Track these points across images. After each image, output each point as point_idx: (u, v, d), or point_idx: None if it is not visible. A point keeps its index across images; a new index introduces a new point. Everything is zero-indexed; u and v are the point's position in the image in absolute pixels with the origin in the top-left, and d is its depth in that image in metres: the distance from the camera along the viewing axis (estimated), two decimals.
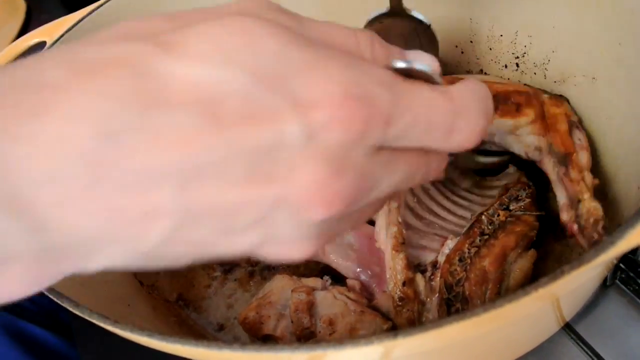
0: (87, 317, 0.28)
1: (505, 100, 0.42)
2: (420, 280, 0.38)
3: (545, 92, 0.45)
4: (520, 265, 0.38)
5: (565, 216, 0.38)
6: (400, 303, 0.37)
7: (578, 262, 0.22)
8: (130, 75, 0.17)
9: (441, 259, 0.38)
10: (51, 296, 0.30)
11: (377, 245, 0.40)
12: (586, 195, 0.38)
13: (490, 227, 0.39)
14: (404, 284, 0.38)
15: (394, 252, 0.38)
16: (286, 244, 0.21)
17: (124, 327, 0.27)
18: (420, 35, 0.45)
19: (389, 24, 0.45)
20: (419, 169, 0.22)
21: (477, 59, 0.51)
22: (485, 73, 0.51)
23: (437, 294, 0.37)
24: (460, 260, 0.37)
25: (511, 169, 0.44)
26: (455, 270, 0.37)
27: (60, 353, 0.63)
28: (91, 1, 0.98)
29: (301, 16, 0.21)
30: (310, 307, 0.39)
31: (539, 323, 0.34)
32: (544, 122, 0.41)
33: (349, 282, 0.41)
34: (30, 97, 0.17)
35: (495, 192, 0.42)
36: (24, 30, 1.12)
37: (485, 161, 0.45)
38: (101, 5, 0.48)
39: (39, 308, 0.66)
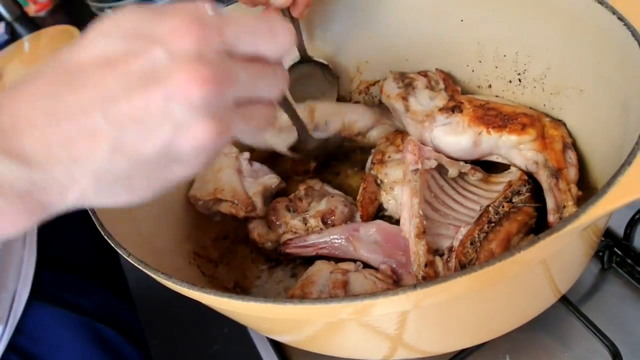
0: (171, 286, 0.36)
1: (513, 120, 0.49)
2: (439, 262, 0.45)
3: (547, 115, 0.51)
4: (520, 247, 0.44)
5: (551, 218, 0.45)
6: (423, 281, 0.45)
7: (550, 230, 0.30)
8: (57, 67, 0.27)
9: (456, 243, 0.45)
10: (146, 270, 0.38)
11: (402, 234, 0.46)
12: (570, 203, 0.45)
13: (496, 217, 0.45)
14: (425, 265, 0.44)
15: (416, 239, 0.45)
16: (191, 127, 0.27)
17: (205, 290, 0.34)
18: (325, 73, 0.58)
19: (302, 68, 0.60)
20: (264, 72, 0.31)
21: (486, 75, 0.57)
22: (491, 86, 0.58)
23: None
24: (471, 244, 0.44)
25: (513, 169, 0.50)
26: (468, 252, 0.44)
27: (126, 352, 0.70)
28: None
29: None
30: (345, 285, 0.45)
31: (535, 289, 0.39)
32: (543, 141, 0.48)
33: (381, 266, 0.48)
34: (3, 94, 0.28)
35: (500, 188, 0.49)
36: None
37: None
38: None
39: (113, 311, 0.73)
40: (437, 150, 0.53)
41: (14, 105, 0.27)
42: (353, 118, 0.60)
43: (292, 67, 0.61)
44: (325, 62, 0.55)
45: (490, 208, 0.46)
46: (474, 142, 0.50)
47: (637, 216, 0.49)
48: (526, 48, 0.52)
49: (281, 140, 0.58)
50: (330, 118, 0.59)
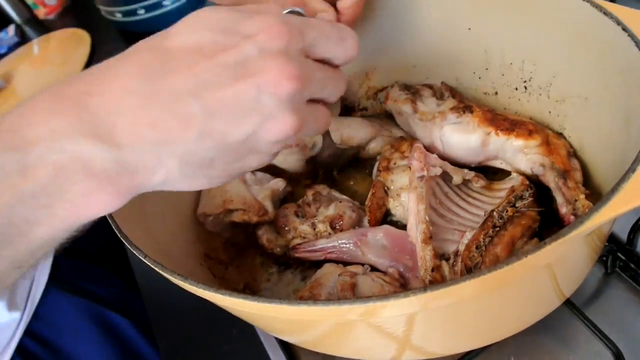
0: (187, 287, 0.36)
1: (520, 126, 0.51)
2: (445, 266, 0.46)
3: (549, 128, 0.53)
4: (527, 251, 0.45)
5: (564, 209, 0.46)
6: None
7: (556, 235, 0.31)
8: (149, 51, 0.30)
9: (461, 248, 0.46)
10: (163, 272, 0.39)
11: (409, 239, 0.47)
12: (581, 196, 0.46)
13: (500, 221, 0.46)
14: (432, 269, 0.45)
15: (423, 244, 0.46)
16: (277, 119, 0.30)
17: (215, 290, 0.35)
18: None
19: None
20: (333, 77, 0.33)
21: (492, 83, 0.58)
22: (497, 93, 0.59)
23: (460, 276, 0.45)
24: (477, 248, 0.45)
25: (515, 175, 0.51)
26: (474, 256, 0.44)
27: (132, 336, 0.72)
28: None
29: (236, 6, 0.33)
30: (353, 287, 0.46)
31: (540, 292, 0.40)
32: (549, 147, 0.49)
33: (389, 269, 0.48)
34: (94, 75, 0.29)
35: (502, 194, 0.50)
36: (90, 58, 1.22)
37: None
38: None
39: (127, 302, 0.75)
40: (446, 149, 0.54)
41: (106, 86, 0.28)
42: (351, 133, 0.61)
43: None
44: None
45: (495, 213, 0.47)
46: (482, 141, 0.52)
47: None
48: (532, 56, 0.53)
49: (293, 157, 0.59)
50: (330, 131, 0.61)
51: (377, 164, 0.58)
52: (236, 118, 0.29)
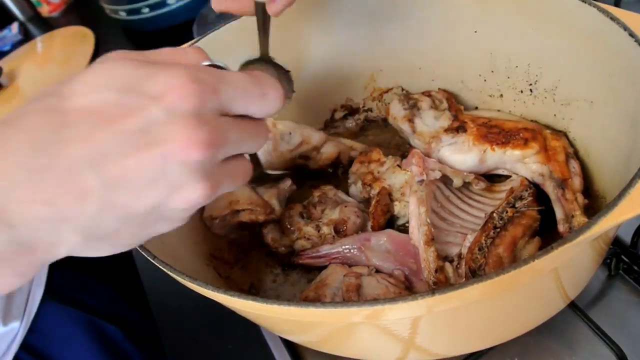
0: (195, 289, 0.37)
1: (515, 136, 0.51)
2: (448, 268, 0.46)
3: (547, 127, 0.53)
4: (528, 250, 0.46)
5: (561, 228, 0.47)
6: (434, 287, 0.45)
7: (562, 240, 0.31)
8: (42, 115, 0.26)
9: (464, 250, 0.46)
10: (172, 273, 0.39)
11: (412, 242, 0.48)
12: (578, 212, 0.47)
13: (501, 222, 0.47)
14: (436, 271, 0.46)
15: (425, 246, 0.46)
16: (185, 188, 0.27)
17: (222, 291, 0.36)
18: (281, 76, 0.55)
19: (259, 68, 0.55)
20: (252, 131, 0.31)
21: (497, 85, 0.59)
22: (503, 96, 0.59)
23: (464, 279, 0.45)
24: (479, 249, 0.45)
25: (515, 176, 0.52)
26: (477, 258, 0.45)
27: (126, 347, 0.71)
28: (151, 33, 1.11)
29: (144, 52, 0.30)
30: (358, 288, 0.47)
31: (545, 295, 0.41)
32: (547, 154, 0.50)
33: (395, 272, 0.49)
34: None
35: (503, 195, 0.50)
36: (94, 56, 1.21)
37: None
38: None
39: (119, 311, 0.73)
40: (447, 165, 0.54)
41: None
42: (310, 133, 0.62)
43: (248, 63, 0.57)
44: (286, 68, 0.53)
45: (495, 214, 0.48)
46: (479, 159, 0.53)
47: None
48: (538, 60, 0.53)
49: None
50: (292, 130, 0.61)
51: (357, 183, 0.58)
52: (140, 190, 0.26)
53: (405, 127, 0.58)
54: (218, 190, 0.29)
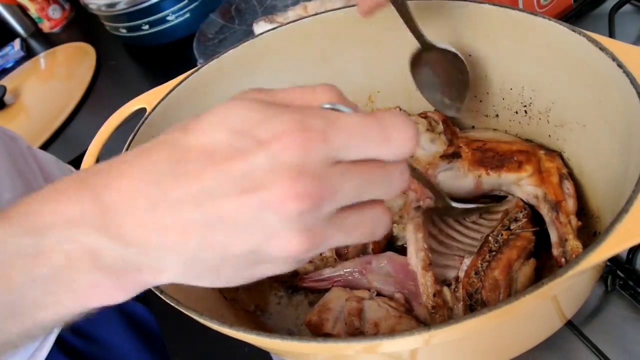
0: (198, 319, 0.38)
1: (510, 159, 0.52)
2: (446, 291, 0.47)
3: (542, 147, 0.55)
4: (524, 271, 0.47)
5: (555, 252, 0.48)
6: (433, 310, 0.47)
7: (552, 276, 0.32)
8: (166, 148, 0.28)
9: (461, 274, 0.47)
10: (165, 298, 0.40)
11: (410, 267, 0.49)
12: (571, 236, 0.48)
13: (496, 245, 0.48)
14: (434, 295, 0.47)
15: (423, 271, 0.47)
16: (281, 237, 0.27)
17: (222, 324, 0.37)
18: (449, 60, 0.55)
19: (426, 57, 0.56)
20: (376, 177, 0.28)
21: (493, 106, 0.60)
22: (498, 116, 0.61)
23: (462, 302, 0.46)
24: (476, 273, 0.46)
25: (510, 197, 0.53)
26: (473, 281, 0.46)
27: (152, 325, 0.73)
28: (152, 49, 1.11)
29: (273, 89, 0.30)
30: (360, 312, 0.48)
31: (542, 318, 0.42)
32: (541, 176, 0.51)
33: (396, 295, 0.50)
34: (118, 166, 0.29)
35: (499, 216, 0.51)
36: (96, 73, 1.23)
37: (459, 207, 0.52)
38: (188, 76, 0.59)
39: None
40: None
41: (121, 181, 0.28)
42: None
43: (416, 56, 0.57)
44: (452, 49, 0.53)
45: (490, 238, 0.49)
46: (475, 184, 0.54)
47: None
48: (531, 83, 0.54)
49: None
50: None
51: None
52: (236, 232, 0.27)
53: None
54: (323, 243, 0.28)
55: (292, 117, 0.27)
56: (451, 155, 0.55)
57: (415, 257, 0.47)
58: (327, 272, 0.53)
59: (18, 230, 0.28)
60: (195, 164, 0.27)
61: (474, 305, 0.46)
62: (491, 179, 0.53)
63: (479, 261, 0.47)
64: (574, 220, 0.48)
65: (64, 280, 0.28)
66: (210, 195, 0.27)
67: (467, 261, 0.47)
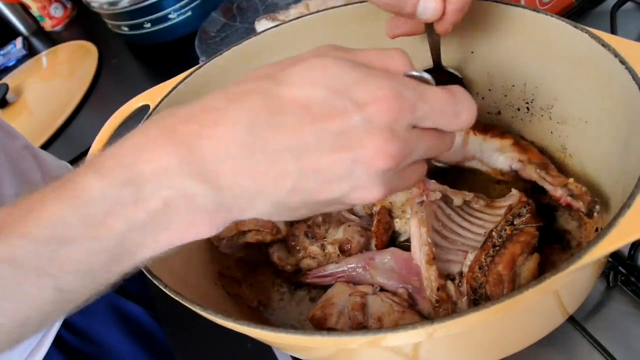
0: (203, 314, 0.39)
1: (494, 128, 0.56)
2: (450, 286, 0.47)
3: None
4: (528, 266, 0.47)
5: (559, 192, 0.48)
6: (437, 304, 0.47)
7: (555, 270, 0.32)
8: (260, 98, 0.30)
9: (465, 269, 0.47)
10: (170, 293, 0.41)
11: (414, 262, 0.49)
12: (570, 179, 0.49)
13: (499, 240, 0.48)
14: (438, 289, 0.47)
15: (427, 265, 0.48)
16: (365, 189, 0.31)
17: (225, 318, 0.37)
18: (452, 82, 0.56)
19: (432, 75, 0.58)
20: (438, 142, 0.34)
21: (495, 103, 0.60)
22: (500, 113, 0.61)
23: (466, 296, 0.47)
24: (479, 268, 0.47)
25: (514, 192, 0.53)
26: (477, 276, 0.46)
27: (149, 327, 0.74)
28: (154, 47, 1.12)
29: (353, 49, 0.33)
30: (364, 307, 0.48)
31: (544, 313, 0.42)
32: (521, 146, 0.54)
33: (399, 290, 0.50)
34: (207, 114, 0.30)
35: (502, 211, 0.51)
36: (98, 71, 1.23)
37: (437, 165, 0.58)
38: (191, 74, 0.59)
39: (132, 286, 0.75)
40: None
41: (215, 130, 0.30)
42: None
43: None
44: (459, 75, 0.57)
45: (494, 233, 0.49)
46: (462, 140, 0.56)
47: None
48: (533, 80, 0.54)
49: None
50: None
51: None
52: (327, 183, 0.31)
53: None
54: (392, 192, 0.33)
55: (388, 84, 0.30)
56: None
57: (419, 251, 0.48)
58: (331, 268, 0.54)
59: (114, 182, 0.29)
60: (294, 117, 0.29)
61: (478, 300, 0.46)
62: (476, 140, 0.56)
63: (483, 256, 0.47)
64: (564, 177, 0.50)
65: (161, 223, 0.31)
66: (308, 149, 0.29)
67: (470, 256, 0.48)
